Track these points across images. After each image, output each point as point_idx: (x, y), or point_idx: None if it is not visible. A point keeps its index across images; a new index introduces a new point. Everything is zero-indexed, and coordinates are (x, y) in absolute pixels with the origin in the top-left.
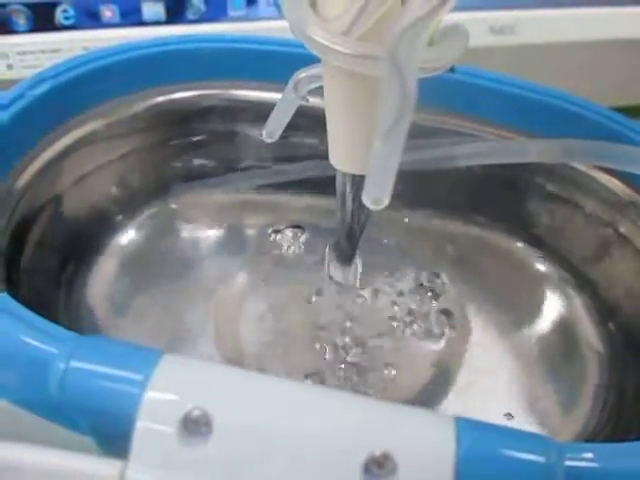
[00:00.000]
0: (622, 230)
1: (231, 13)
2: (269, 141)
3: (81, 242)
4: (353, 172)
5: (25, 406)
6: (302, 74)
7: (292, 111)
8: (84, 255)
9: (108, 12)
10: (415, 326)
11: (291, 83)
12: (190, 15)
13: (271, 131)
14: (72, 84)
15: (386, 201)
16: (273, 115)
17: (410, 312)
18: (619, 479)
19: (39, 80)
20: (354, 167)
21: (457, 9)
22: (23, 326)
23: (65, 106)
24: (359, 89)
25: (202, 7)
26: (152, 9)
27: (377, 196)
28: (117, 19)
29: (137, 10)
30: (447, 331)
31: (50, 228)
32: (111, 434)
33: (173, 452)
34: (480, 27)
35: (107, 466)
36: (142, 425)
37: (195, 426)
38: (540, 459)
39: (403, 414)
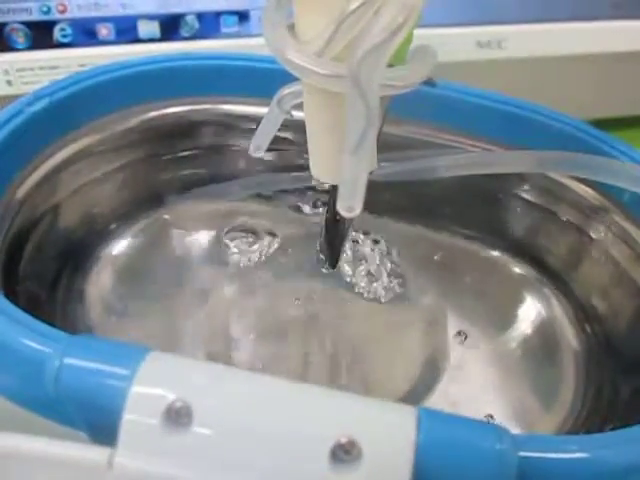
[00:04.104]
0: (594, 235)
1: (224, 30)
2: (256, 154)
3: (77, 251)
4: (332, 182)
5: (22, 403)
6: (285, 90)
7: (277, 125)
8: (80, 263)
9: (104, 30)
10: (396, 328)
11: (275, 99)
12: (184, 32)
13: (258, 145)
14: (68, 101)
15: (358, 209)
16: (259, 130)
17: (393, 315)
18: (570, 469)
19: (37, 97)
20: (333, 178)
21: (444, 25)
22: (19, 327)
23: (62, 122)
24: (333, 105)
25: (195, 24)
26: (147, 27)
27: (349, 205)
28: (113, 37)
29: (133, 28)
30: (428, 335)
31: (47, 237)
32: (101, 425)
33: (157, 440)
34: (467, 42)
35: (96, 452)
36: (129, 416)
37: (177, 417)
38: (494, 447)
39: (368, 404)
